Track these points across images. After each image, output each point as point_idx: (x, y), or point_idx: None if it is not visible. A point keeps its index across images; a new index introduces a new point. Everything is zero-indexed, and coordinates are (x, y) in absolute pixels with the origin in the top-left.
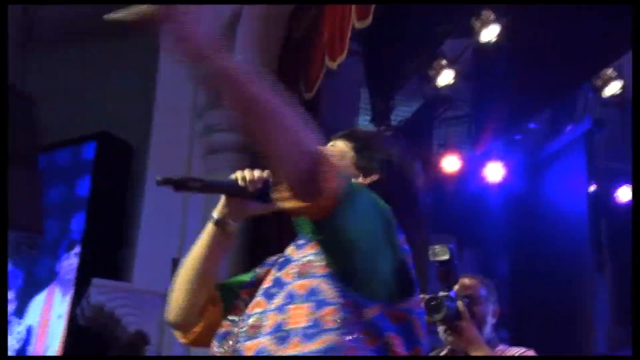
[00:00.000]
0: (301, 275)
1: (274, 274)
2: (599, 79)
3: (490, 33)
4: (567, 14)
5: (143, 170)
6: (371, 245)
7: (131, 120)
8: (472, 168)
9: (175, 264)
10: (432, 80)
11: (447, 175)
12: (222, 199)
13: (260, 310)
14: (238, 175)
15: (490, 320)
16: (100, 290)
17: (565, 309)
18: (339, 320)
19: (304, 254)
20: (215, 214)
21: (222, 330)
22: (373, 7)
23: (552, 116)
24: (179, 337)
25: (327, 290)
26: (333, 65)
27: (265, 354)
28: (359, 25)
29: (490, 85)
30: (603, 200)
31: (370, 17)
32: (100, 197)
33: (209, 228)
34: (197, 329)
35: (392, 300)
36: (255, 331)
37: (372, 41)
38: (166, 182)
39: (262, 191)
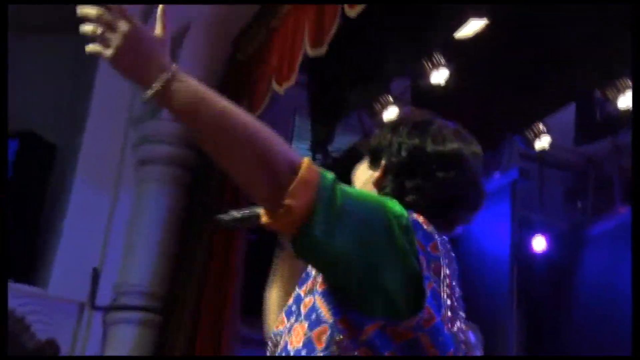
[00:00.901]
0: (308, 292)
1: (296, 290)
2: (532, 131)
3: (439, 76)
4: (504, 69)
5: (69, 173)
6: (368, 260)
7: (60, 121)
8: None
9: (95, 273)
10: (377, 114)
11: None
12: None
13: (281, 330)
14: None
15: None
16: (12, 295)
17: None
18: (328, 340)
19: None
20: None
21: None
22: (329, 36)
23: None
24: None
25: (323, 308)
26: (280, 89)
27: None
28: (312, 53)
29: None
30: (519, 248)
31: (325, 46)
32: (18, 199)
33: (278, 256)
34: None
35: (396, 317)
36: (274, 350)
37: (321, 69)
38: (220, 224)
39: None
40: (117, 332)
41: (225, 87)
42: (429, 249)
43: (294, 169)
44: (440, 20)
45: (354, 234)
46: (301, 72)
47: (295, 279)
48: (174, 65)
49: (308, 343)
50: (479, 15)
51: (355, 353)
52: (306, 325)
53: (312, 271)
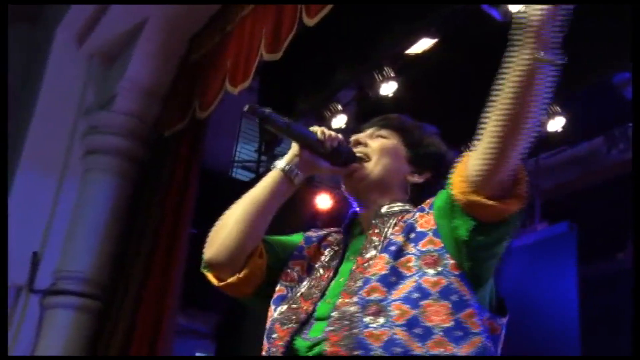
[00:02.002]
0: (426, 270)
1: (387, 260)
2: (468, 148)
3: (387, 88)
4: (450, 86)
5: (14, 159)
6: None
7: (8, 107)
8: (343, 207)
9: (35, 257)
10: (326, 121)
11: (319, 211)
12: (294, 148)
13: (379, 297)
14: (317, 129)
15: None
16: None
17: None
18: (480, 325)
19: (422, 248)
20: (284, 162)
21: (277, 294)
22: (286, 42)
23: None
24: (213, 279)
25: (463, 291)
26: (234, 91)
27: (399, 345)
28: (267, 57)
29: None
30: None
31: (281, 52)
32: None
33: (274, 174)
34: (241, 275)
35: (495, 313)
36: (376, 319)
37: (272, 74)
38: (254, 112)
39: (335, 151)
40: (54, 316)
41: (177, 85)
42: None
43: (522, 164)
44: (393, 36)
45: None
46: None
47: (277, 206)
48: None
49: (460, 323)
50: (430, 34)
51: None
52: (448, 305)
53: (405, 248)
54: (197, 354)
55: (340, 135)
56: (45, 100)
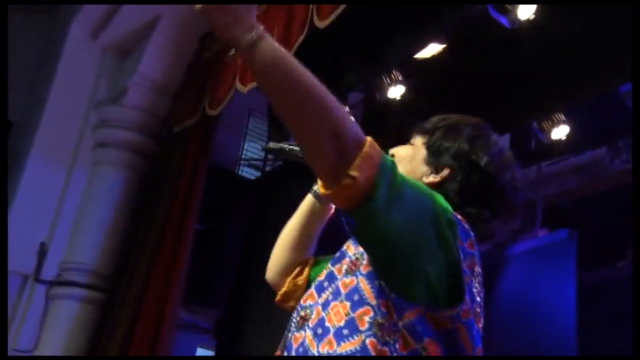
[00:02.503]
0: (348, 272)
1: (327, 267)
2: None
3: (396, 91)
4: (456, 92)
5: (25, 150)
6: (414, 244)
7: (20, 100)
8: None
9: (43, 247)
10: None
11: None
12: None
13: (311, 303)
14: None
15: None
16: None
17: None
18: (371, 322)
19: (356, 251)
20: (315, 185)
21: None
22: (296, 44)
23: None
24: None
25: (366, 289)
26: (244, 89)
27: (305, 348)
28: None
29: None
30: None
31: (291, 53)
32: None
33: (308, 198)
34: (282, 290)
35: (437, 305)
36: (303, 323)
37: None
38: (271, 151)
39: None
40: (59, 307)
41: (189, 82)
42: (466, 245)
43: (360, 143)
44: (402, 40)
45: (407, 216)
46: None
47: (316, 227)
48: (260, 26)
49: (351, 322)
50: (439, 40)
51: (395, 336)
52: (348, 305)
53: (347, 251)
54: (199, 349)
55: None
56: (58, 92)
